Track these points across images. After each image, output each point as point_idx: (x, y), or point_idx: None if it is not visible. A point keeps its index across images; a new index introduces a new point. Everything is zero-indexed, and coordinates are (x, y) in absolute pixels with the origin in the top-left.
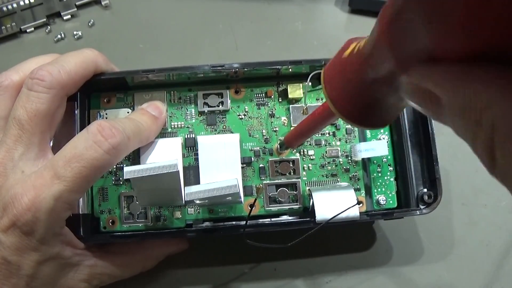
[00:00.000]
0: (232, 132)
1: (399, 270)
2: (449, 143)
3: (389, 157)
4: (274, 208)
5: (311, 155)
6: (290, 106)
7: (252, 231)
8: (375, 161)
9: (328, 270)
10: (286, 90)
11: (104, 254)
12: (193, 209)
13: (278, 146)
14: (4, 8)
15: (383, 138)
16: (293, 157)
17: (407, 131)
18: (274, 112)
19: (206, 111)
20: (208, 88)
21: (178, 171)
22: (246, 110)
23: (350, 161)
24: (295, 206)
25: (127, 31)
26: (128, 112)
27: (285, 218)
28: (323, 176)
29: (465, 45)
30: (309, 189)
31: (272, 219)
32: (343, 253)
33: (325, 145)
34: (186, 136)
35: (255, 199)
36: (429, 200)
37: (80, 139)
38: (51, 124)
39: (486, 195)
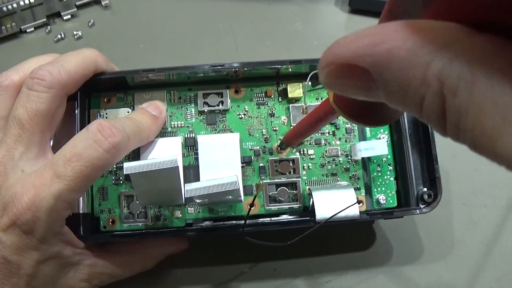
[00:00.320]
0: (232, 132)
1: (399, 270)
2: (449, 143)
3: (389, 156)
4: (274, 207)
5: (311, 154)
6: (290, 105)
7: (252, 230)
8: (375, 161)
9: (328, 270)
10: (286, 90)
11: (104, 253)
12: (193, 208)
13: (278, 146)
14: (4, 8)
15: (383, 138)
16: (293, 157)
17: (407, 131)
18: (274, 112)
19: (206, 110)
20: (208, 88)
21: (177, 167)
22: (246, 109)
23: (350, 160)
24: (295, 205)
25: (127, 31)
26: (128, 112)
27: (285, 217)
28: (323, 175)
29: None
30: (309, 188)
31: (272, 218)
32: (343, 253)
33: (325, 145)
34: (186, 136)
35: (255, 196)
36: (429, 199)
37: (80, 138)
38: (51, 124)
39: (486, 195)
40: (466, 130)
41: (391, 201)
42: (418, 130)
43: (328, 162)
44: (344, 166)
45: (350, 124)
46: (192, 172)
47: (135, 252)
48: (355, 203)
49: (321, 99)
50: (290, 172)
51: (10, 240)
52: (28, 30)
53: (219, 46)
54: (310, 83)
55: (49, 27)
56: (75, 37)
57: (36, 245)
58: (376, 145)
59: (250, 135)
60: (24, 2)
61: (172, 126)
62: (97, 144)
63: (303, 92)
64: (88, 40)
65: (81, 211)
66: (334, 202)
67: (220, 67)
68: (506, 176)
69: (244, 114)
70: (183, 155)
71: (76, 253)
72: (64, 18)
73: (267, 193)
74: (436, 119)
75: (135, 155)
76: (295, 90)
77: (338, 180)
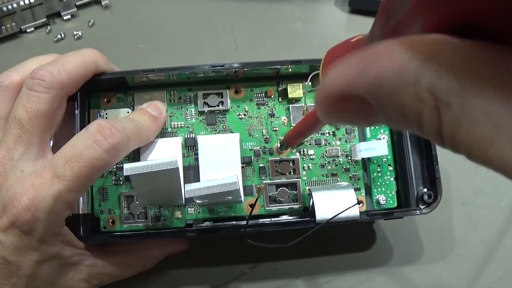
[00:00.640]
0: (232, 132)
1: (399, 270)
2: None
3: (389, 157)
4: (274, 208)
5: (311, 154)
6: (290, 105)
7: (252, 231)
8: (375, 161)
9: (328, 270)
10: (286, 90)
11: (104, 254)
12: (193, 209)
13: (278, 146)
14: (4, 8)
15: (383, 138)
16: (293, 157)
17: (407, 131)
18: (274, 112)
19: (206, 111)
20: (208, 88)
21: (177, 168)
22: (246, 110)
23: (350, 160)
24: (295, 206)
25: (127, 31)
26: (128, 112)
27: (285, 218)
28: (323, 175)
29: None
30: (309, 189)
31: (272, 219)
32: (343, 253)
33: (325, 145)
34: (186, 136)
35: (256, 199)
36: (429, 200)
37: (80, 139)
38: (51, 124)
39: (486, 195)
40: (460, 141)
41: (391, 202)
42: None
43: (328, 162)
44: (344, 167)
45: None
46: (192, 172)
47: (135, 252)
48: (355, 204)
49: None
50: (290, 173)
51: (9, 240)
52: (28, 30)
53: (219, 46)
54: (310, 83)
55: (49, 27)
56: (75, 37)
57: (35, 246)
58: (376, 145)
59: (250, 136)
60: (24, 2)
61: (172, 126)
62: (96, 145)
63: (303, 93)
64: (88, 40)
65: (81, 212)
66: (334, 203)
67: (220, 67)
68: None
69: (244, 115)
70: (183, 156)
71: (76, 254)
72: (64, 18)
73: (267, 194)
74: (435, 133)
75: (135, 155)
76: (295, 90)
77: (338, 181)
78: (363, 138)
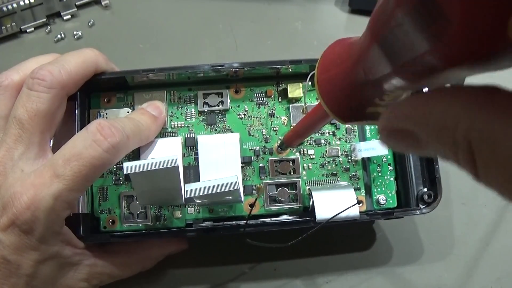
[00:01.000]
0: (232, 132)
1: (399, 270)
2: None
3: (389, 156)
4: (274, 207)
5: (311, 154)
6: (290, 105)
7: (252, 231)
8: (375, 161)
9: (328, 270)
10: (286, 90)
11: (104, 253)
12: (193, 208)
13: (278, 146)
14: (4, 8)
15: None
16: (293, 157)
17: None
18: (274, 112)
19: (206, 110)
20: (208, 88)
21: (177, 166)
22: (246, 109)
23: (350, 160)
24: (295, 206)
25: (127, 31)
26: (128, 112)
27: (285, 217)
28: (323, 175)
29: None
30: (309, 189)
31: (272, 219)
32: (343, 253)
33: (325, 145)
34: (186, 136)
35: (256, 199)
36: (429, 199)
37: (80, 138)
38: (51, 124)
39: (486, 195)
40: (492, 181)
41: (391, 201)
42: None
43: (328, 162)
44: (344, 166)
45: (350, 124)
46: (192, 172)
47: (135, 252)
48: (355, 204)
49: None
50: (290, 172)
51: (9, 239)
52: (28, 30)
53: (219, 46)
54: (310, 83)
55: (49, 27)
56: (75, 37)
57: (35, 245)
58: (376, 145)
59: (250, 135)
60: (24, 2)
61: (172, 126)
62: (96, 144)
63: (303, 92)
64: (88, 40)
65: (81, 211)
66: (334, 202)
67: (220, 67)
68: None
69: (244, 114)
70: (183, 155)
71: (76, 253)
72: (64, 18)
73: (267, 193)
74: (471, 171)
75: (135, 155)
76: (295, 90)
77: (338, 180)
78: (363, 137)
